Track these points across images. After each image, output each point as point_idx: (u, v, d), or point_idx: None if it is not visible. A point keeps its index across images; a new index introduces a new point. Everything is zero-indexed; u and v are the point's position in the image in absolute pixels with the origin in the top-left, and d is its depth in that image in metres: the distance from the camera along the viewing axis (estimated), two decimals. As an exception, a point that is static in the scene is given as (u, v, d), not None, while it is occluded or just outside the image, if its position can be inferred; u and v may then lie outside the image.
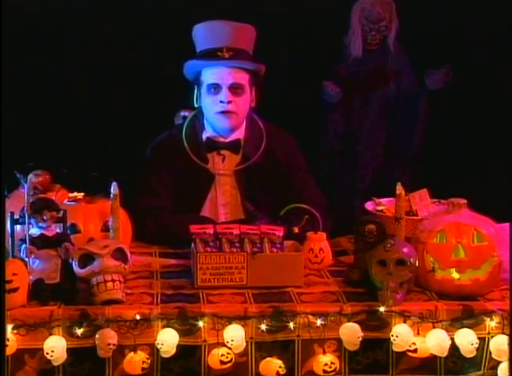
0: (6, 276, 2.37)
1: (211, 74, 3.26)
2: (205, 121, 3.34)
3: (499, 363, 2.52)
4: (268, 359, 2.50)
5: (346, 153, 4.74)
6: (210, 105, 3.27)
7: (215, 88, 3.25)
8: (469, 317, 2.52)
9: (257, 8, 4.45)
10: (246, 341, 2.48)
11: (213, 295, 2.59)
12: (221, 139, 3.33)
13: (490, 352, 2.52)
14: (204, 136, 3.33)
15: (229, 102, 3.23)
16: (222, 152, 3.33)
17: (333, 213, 3.35)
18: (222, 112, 3.25)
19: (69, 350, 2.42)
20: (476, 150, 4.74)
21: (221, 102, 3.24)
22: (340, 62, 4.66)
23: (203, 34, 3.30)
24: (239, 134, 3.33)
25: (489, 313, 2.52)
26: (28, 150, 4.13)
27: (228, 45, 3.23)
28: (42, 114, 4.52)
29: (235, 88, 3.24)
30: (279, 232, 2.74)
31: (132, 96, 4.56)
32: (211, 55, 3.24)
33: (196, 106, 3.35)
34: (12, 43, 4.11)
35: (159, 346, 2.44)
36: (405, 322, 2.51)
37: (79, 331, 2.42)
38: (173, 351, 2.45)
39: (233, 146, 3.32)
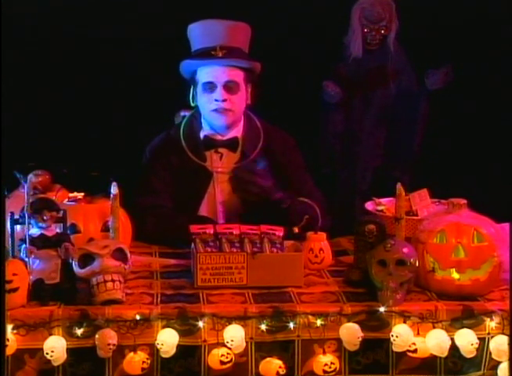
0: (6, 276, 2.37)
1: (206, 72, 3.27)
2: (202, 120, 3.35)
3: (499, 363, 2.51)
4: (268, 359, 2.49)
5: (346, 153, 4.74)
6: (206, 103, 3.29)
7: (210, 86, 3.26)
8: (469, 317, 2.51)
9: (258, 7, 4.46)
10: (246, 342, 2.47)
11: (213, 295, 2.59)
12: (219, 137, 3.33)
13: (490, 353, 2.51)
14: (202, 134, 3.34)
15: (224, 100, 3.24)
16: (220, 150, 3.33)
17: (333, 213, 3.35)
18: (217, 110, 3.26)
19: (69, 350, 2.42)
20: (476, 150, 4.75)
21: (216, 100, 3.25)
22: (340, 62, 4.67)
23: (198, 33, 3.32)
24: (237, 132, 3.34)
25: (489, 313, 2.52)
26: (28, 150, 4.13)
27: (222, 44, 3.24)
28: (42, 114, 4.52)
29: (230, 86, 3.25)
30: (279, 232, 2.74)
31: (132, 96, 4.56)
32: (205, 54, 3.25)
33: (191, 105, 3.37)
34: (11, 42, 4.11)
35: (159, 346, 2.44)
36: (405, 322, 2.50)
37: (79, 331, 2.41)
38: (173, 351, 2.45)
39: (231, 144, 3.33)
